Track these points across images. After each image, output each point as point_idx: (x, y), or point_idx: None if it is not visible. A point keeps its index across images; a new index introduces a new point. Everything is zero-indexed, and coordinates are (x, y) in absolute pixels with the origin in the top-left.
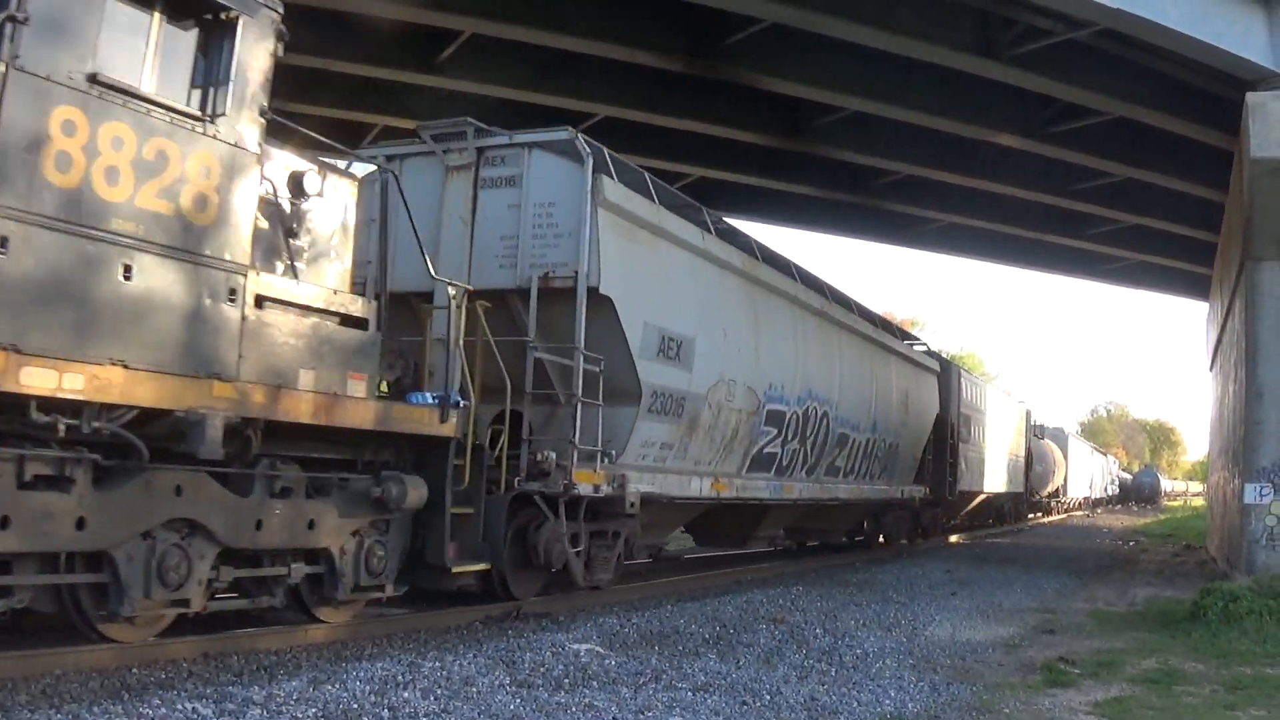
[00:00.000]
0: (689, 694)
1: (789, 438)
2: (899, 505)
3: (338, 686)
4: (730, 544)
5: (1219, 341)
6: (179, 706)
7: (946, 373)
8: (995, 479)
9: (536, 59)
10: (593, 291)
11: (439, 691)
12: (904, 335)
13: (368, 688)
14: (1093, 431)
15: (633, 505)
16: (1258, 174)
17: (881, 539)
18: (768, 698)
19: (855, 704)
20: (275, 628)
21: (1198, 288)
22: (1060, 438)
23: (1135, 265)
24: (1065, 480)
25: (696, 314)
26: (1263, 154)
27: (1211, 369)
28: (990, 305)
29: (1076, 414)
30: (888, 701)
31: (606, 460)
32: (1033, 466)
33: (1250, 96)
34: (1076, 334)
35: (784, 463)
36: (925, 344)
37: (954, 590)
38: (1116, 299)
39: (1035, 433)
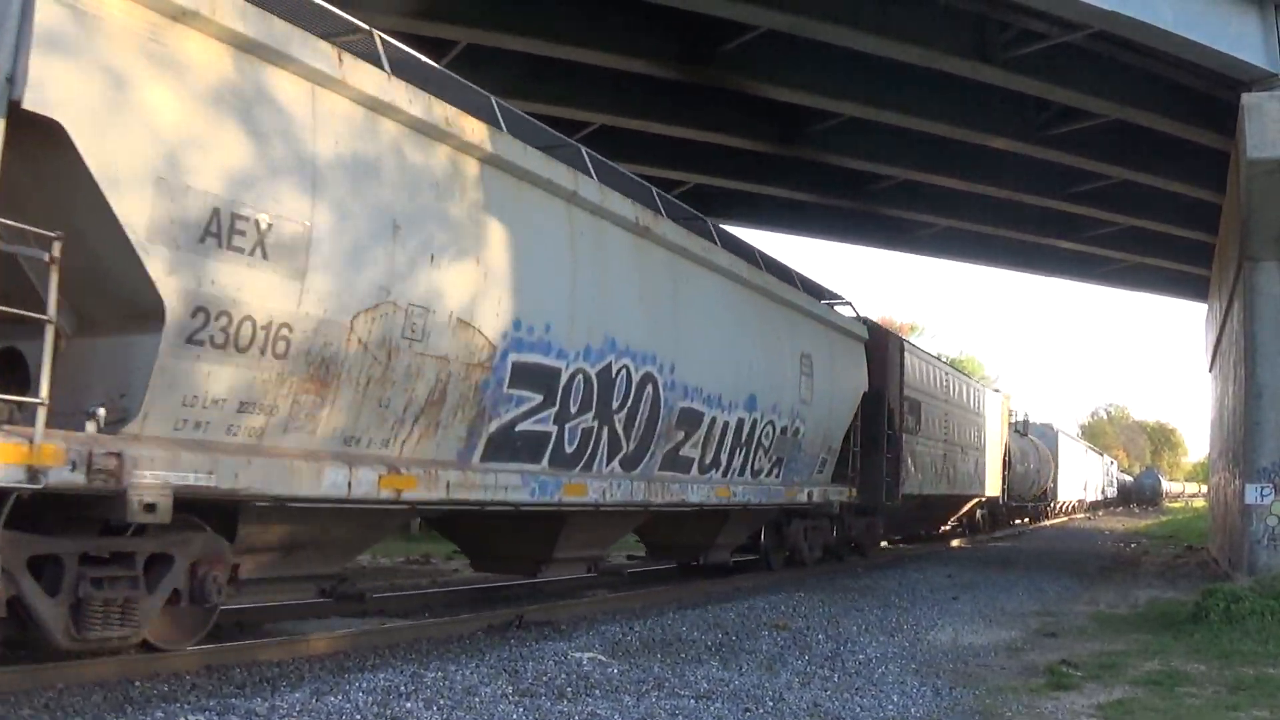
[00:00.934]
0: (692, 701)
1: (571, 409)
2: (807, 513)
3: (340, 697)
4: (515, 570)
5: (1218, 343)
6: (181, 719)
7: (881, 343)
8: (961, 480)
9: (532, 68)
10: (16, 109)
11: (442, 701)
12: (817, 290)
13: (370, 698)
14: (1093, 434)
15: (150, 508)
16: (1254, 175)
17: (789, 556)
18: (771, 704)
19: (858, 709)
20: (278, 639)
21: (1196, 289)
22: (1049, 436)
23: (1133, 267)
24: (1055, 482)
25: (319, 184)
26: (1259, 155)
27: (1211, 370)
28: (989, 309)
29: (1077, 416)
30: (890, 707)
31: (96, 423)
32: (1013, 466)
33: (1246, 97)
34: (1076, 337)
35: (568, 448)
36: (851, 304)
37: (955, 594)
38: (1115, 301)
39: (1018, 429)
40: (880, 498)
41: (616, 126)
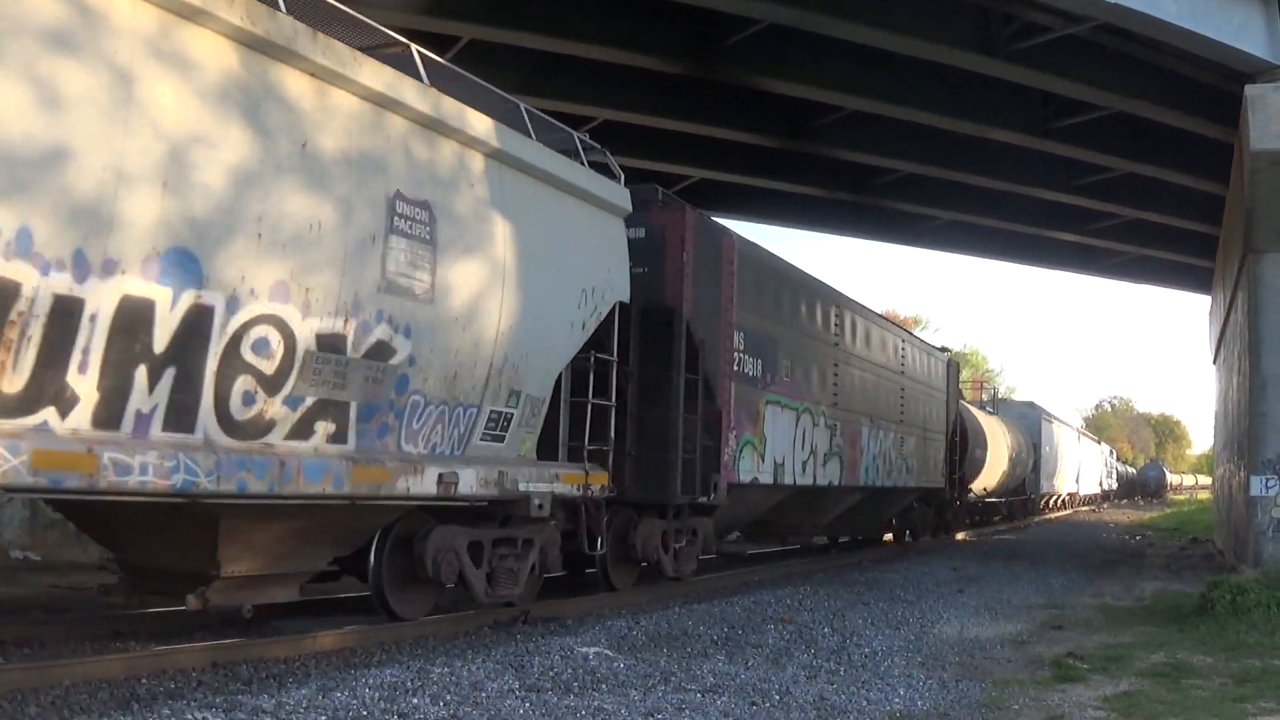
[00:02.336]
0: (698, 696)
1: None
2: (456, 514)
3: (347, 693)
4: None
5: (1222, 334)
6: (189, 716)
7: (677, 232)
8: (873, 467)
9: (536, 63)
10: None
11: (448, 697)
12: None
13: (377, 694)
14: (1098, 426)
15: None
16: (1258, 166)
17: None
18: (777, 698)
19: (864, 702)
20: (284, 636)
21: (1200, 281)
22: (1030, 416)
23: (1137, 259)
24: (1037, 472)
25: None
26: (1262, 146)
27: (1215, 362)
28: (994, 302)
29: (1081, 408)
30: (897, 700)
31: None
32: (970, 451)
33: (1249, 89)
34: (1080, 329)
35: None
36: (609, 161)
37: (961, 587)
38: (1119, 294)
39: (989, 406)
40: (673, 488)
41: (621, 122)
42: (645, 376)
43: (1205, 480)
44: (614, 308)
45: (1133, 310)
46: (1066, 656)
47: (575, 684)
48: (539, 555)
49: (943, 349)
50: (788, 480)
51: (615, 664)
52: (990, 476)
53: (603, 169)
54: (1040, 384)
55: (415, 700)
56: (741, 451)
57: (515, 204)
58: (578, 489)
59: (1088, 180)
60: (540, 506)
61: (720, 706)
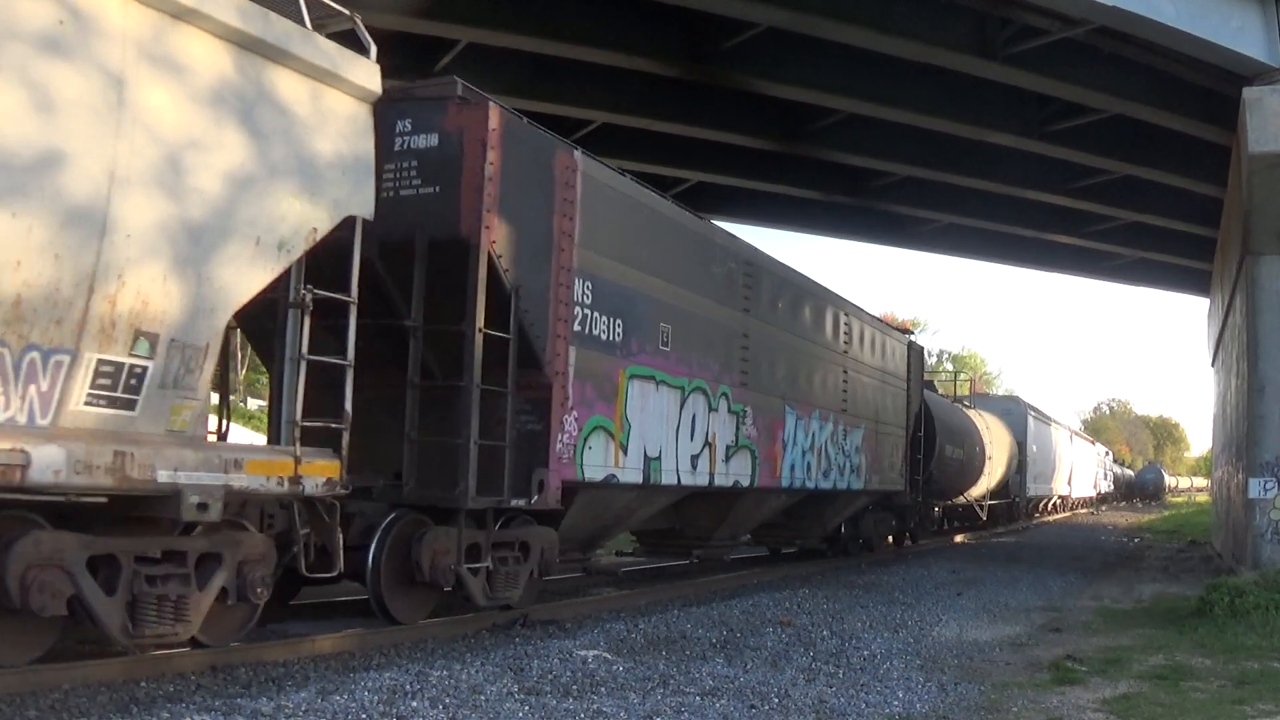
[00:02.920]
0: (697, 698)
1: None
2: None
3: (346, 697)
4: None
5: (1220, 337)
6: (187, 719)
7: (453, 129)
8: (802, 465)
9: (534, 66)
10: None
11: (447, 700)
12: None
13: (376, 698)
14: (1096, 428)
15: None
16: (1256, 169)
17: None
18: (776, 700)
19: (863, 705)
20: (283, 639)
21: (1198, 283)
22: (1015, 413)
23: (1135, 262)
24: (1023, 474)
25: None
26: (1260, 149)
27: (1213, 364)
28: (992, 305)
29: (1080, 411)
30: (896, 702)
31: None
32: (941, 451)
33: (1247, 91)
34: (1078, 332)
35: None
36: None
37: (959, 590)
38: (1117, 296)
39: (965, 401)
40: (465, 486)
41: (618, 125)
42: (433, 334)
43: (1204, 483)
44: (354, 230)
45: (1131, 313)
46: (1065, 659)
47: (574, 687)
48: (232, 579)
49: (905, 331)
50: (667, 479)
51: (614, 667)
52: (967, 479)
53: (347, 40)
54: (1039, 387)
55: (414, 703)
56: (587, 440)
57: (138, 46)
58: (284, 483)
59: (1085, 183)
60: (203, 507)
61: (719, 709)
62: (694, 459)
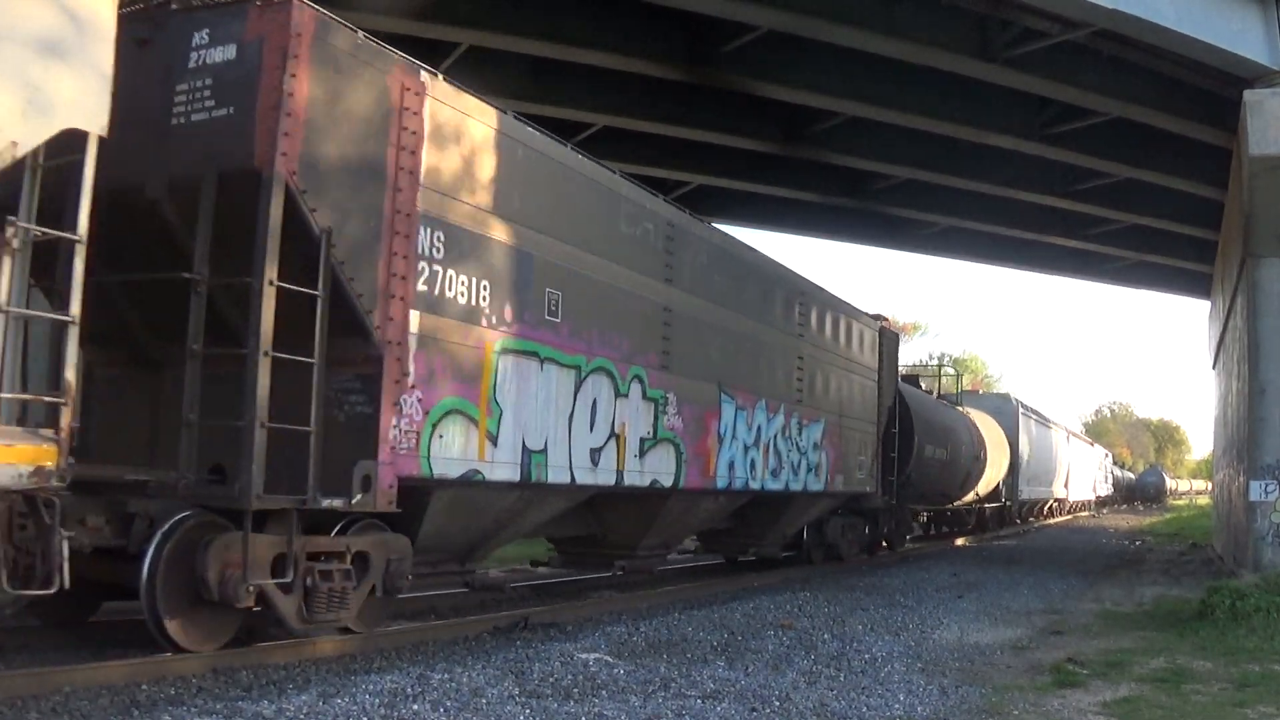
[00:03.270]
0: (698, 701)
1: None
2: None
3: (347, 700)
4: None
5: (1221, 339)
6: None
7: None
8: (708, 460)
9: (534, 69)
10: None
11: (448, 703)
12: None
13: (377, 700)
14: (1097, 431)
15: None
16: (1256, 171)
17: None
18: (777, 704)
19: (865, 708)
20: (284, 641)
21: (1199, 286)
22: (1006, 411)
23: (1136, 265)
24: (1015, 476)
25: None
26: (1261, 151)
27: (1214, 367)
28: (993, 308)
29: (1081, 414)
30: (897, 705)
31: None
32: (920, 450)
33: (1248, 94)
34: (1079, 335)
35: None
36: None
37: (961, 593)
38: (1118, 299)
39: (949, 399)
40: (247, 481)
41: (619, 128)
42: (219, 290)
43: (1205, 485)
44: (80, 151)
45: (1132, 316)
46: (1066, 662)
47: (575, 690)
48: None
49: (877, 316)
50: (556, 477)
51: (615, 670)
52: (951, 481)
53: None
54: (1040, 390)
55: (416, 706)
56: (437, 427)
57: None
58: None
59: (1086, 185)
60: None
61: (720, 712)
62: (595, 453)
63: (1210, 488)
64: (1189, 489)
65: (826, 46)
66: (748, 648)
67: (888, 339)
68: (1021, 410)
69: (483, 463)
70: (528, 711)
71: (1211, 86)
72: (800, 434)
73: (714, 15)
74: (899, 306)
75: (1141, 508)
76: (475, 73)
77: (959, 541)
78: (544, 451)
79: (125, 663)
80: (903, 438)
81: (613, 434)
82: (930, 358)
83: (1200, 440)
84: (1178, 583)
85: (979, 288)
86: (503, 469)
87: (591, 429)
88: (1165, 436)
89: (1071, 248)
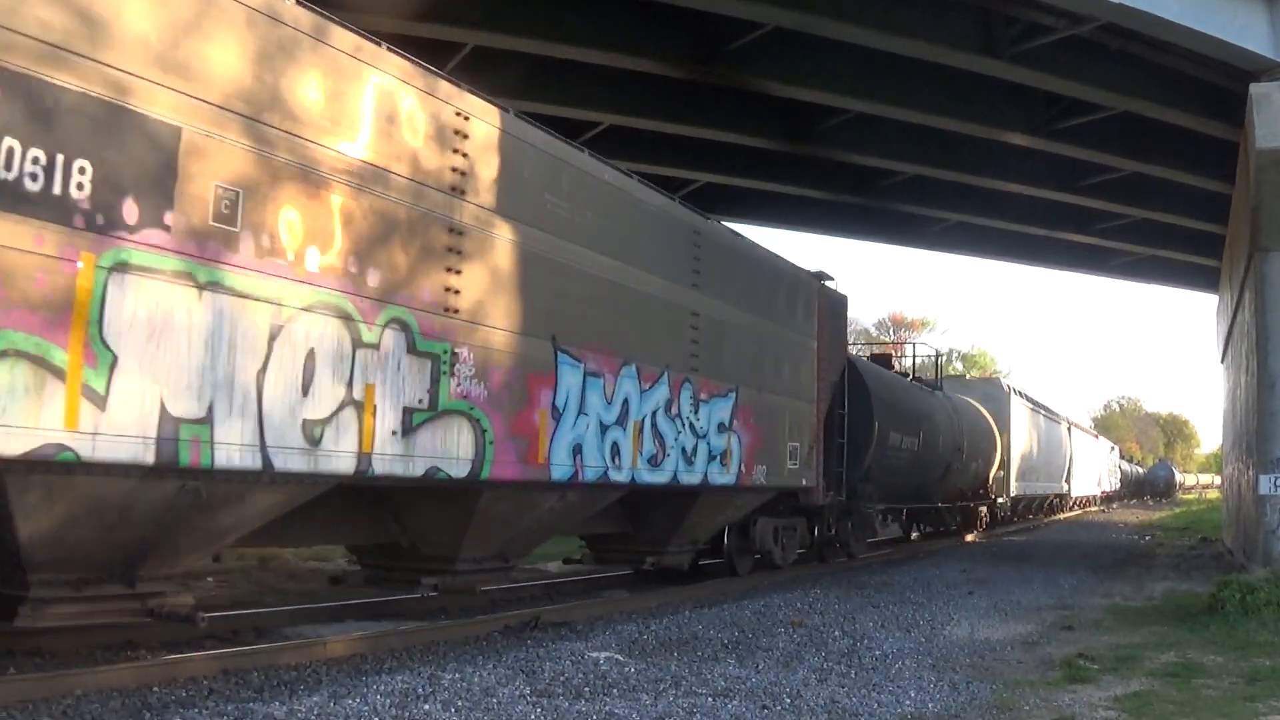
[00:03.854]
0: (709, 700)
1: None
2: None
3: (358, 700)
4: None
5: (1229, 333)
6: None
7: None
8: (536, 444)
9: (540, 69)
10: None
11: (459, 703)
12: None
13: (388, 700)
14: (1106, 426)
15: None
16: (1263, 165)
17: None
18: (788, 701)
19: (876, 705)
20: (295, 642)
21: (1207, 280)
22: (994, 398)
23: (1144, 259)
24: (1006, 470)
25: None
26: (1268, 145)
27: (1223, 361)
28: (1001, 304)
29: (1090, 409)
30: (908, 702)
31: None
32: (882, 439)
33: (1254, 88)
34: (1087, 330)
35: None
36: None
37: (971, 589)
38: (1126, 294)
39: (924, 381)
40: None
41: (625, 126)
42: None
43: (1214, 479)
44: None
45: (1140, 310)
46: (1077, 657)
47: (586, 689)
48: None
49: (818, 273)
50: (229, 459)
51: (626, 668)
52: (925, 474)
53: None
54: (1048, 385)
55: (427, 706)
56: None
57: None
58: None
59: (1093, 180)
60: None
61: (731, 710)
62: (317, 430)
63: (1219, 482)
64: (1198, 483)
65: (833, 44)
66: (758, 645)
67: (830, 300)
68: (1014, 397)
69: (74, 433)
70: (539, 710)
71: (1217, 80)
72: (696, 412)
73: (720, 13)
74: (907, 303)
75: (1151, 502)
76: (481, 73)
77: (969, 538)
78: (206, 422)
79: (136, 665)
80: (860, 423)
81: (351, 402)
82: (940, 353)
83: (1209, 434)
84: (1188, 577)
85: (987, 283)
86: (120, 444)
87: (307, 394)
88: (1174, 431)
89: (1079, 243)
